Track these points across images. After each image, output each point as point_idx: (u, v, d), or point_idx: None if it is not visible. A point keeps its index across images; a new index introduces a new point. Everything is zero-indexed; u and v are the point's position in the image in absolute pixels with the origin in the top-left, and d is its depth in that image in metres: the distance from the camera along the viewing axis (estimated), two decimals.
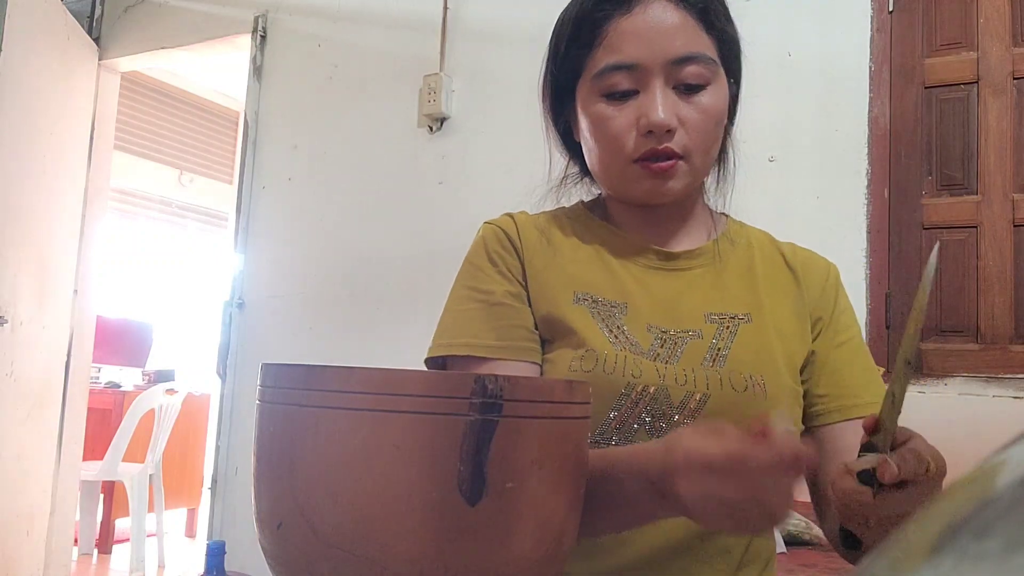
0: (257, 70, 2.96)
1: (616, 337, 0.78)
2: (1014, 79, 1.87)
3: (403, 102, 2.63)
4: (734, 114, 0.85)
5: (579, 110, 0.81)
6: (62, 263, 3.09)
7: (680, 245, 0.86)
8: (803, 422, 0.83)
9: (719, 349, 0.79)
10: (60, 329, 3.08)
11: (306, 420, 0.50)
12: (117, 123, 3.57)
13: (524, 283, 0.83)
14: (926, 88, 1.96)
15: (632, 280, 0.83)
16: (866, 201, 1.96)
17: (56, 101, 3.00)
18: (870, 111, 1.98)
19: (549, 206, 0.92)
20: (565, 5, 0.84)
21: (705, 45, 0.77)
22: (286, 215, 2.85)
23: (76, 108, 3.19)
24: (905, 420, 0.61)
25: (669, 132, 0.75)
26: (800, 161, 2.02)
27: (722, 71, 0.79)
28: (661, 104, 0.75)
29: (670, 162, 0.76)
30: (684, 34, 0.75)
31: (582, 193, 0.93)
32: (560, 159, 0.92)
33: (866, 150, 1.98)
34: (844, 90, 2.01)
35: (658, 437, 0.76)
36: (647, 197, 0.80)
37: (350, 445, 0.49)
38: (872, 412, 0.80)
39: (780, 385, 0.78)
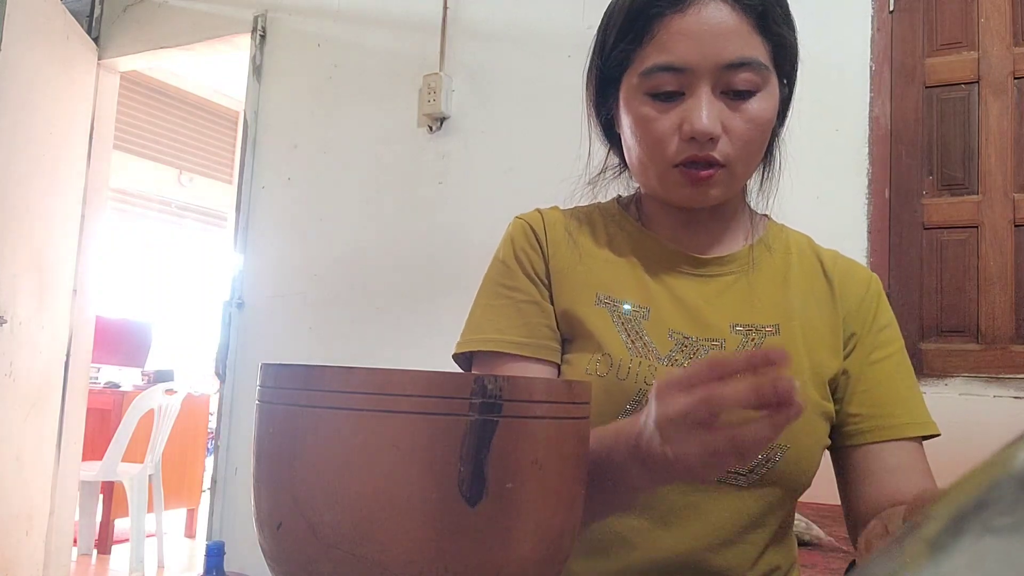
0: (257, 70, 2.96)
1: (634, 342, 0.77)
2: (1015, 79, 1.87)
3: (403, 102, 2.63)
4: (785, 116, 0.83)
5: (622, 104, 0.79)
6: (61, 263, 3.09)
7: (715, 249, 0.84)
8: (838, 442, 0.80)
9: None
10: (59, 329, 3.08)
11: (306, 420, 0.50)
12: (116, 123, 3.56)
13: (547, 281, 0.82)
14: (927, 88, 1.96)
15: (659, 284, 0.81)
16: (866, 201, 1.96)
17: (55, 100, 3.00)
18: (871, 111, 1.98)
19: (585, 199, 0.90)
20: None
21: (759, 50, 0.74)
22: (286, 215, 2.84)
23: (75, 108, 3.19)
24: None
25: (712, 140, 0.73)
26: (800, 161, 2.02)
27: (774, 76, 0.76)
28: (706, 111, 0.72)
29: (710, 170, 0.74)
30: (738, 38, 0.72)
31: (620, 186, 0.90)
32: (593, 152, 0.89)
33: (867, 150, 1.97)
34: (845, 90, 2.01)
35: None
36: (685, 202, 0.79)
37: (350, 445, 0.48)
38: (909, 433, 0.78)
39: (802, 398, 0.77)
